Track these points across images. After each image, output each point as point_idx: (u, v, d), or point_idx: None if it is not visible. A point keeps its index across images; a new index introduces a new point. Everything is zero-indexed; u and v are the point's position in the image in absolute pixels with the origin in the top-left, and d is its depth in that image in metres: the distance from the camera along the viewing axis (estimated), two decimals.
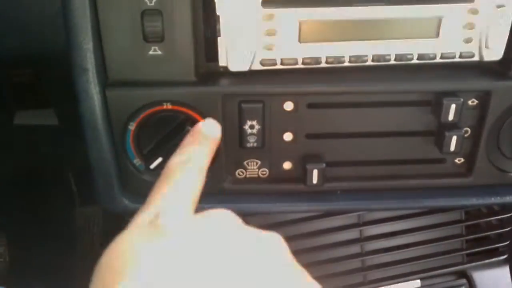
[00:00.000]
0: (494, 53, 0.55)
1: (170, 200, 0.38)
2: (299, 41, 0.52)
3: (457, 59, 0.55)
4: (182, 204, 0.38)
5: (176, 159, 0.43)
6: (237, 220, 0.37)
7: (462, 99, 0.54)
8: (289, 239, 0.38)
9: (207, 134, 0.47)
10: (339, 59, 0.53)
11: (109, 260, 0.33)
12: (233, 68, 0.53)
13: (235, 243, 0.34)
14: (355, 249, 0.72)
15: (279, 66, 0.53)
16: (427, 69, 0.55)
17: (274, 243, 0.36)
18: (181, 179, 0.41)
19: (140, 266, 0.31)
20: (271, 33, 0.52)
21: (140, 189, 0.58)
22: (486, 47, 0.54)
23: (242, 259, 0.32)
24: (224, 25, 0.51)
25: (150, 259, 0.31)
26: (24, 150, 0.88)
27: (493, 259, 0.77)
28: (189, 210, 0.38)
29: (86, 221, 1.02)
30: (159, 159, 0.54)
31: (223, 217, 0.37)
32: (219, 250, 0.33)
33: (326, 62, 0.53)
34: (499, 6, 0.52)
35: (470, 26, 0.53)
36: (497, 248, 0.78)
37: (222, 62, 0.53)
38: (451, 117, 0.54)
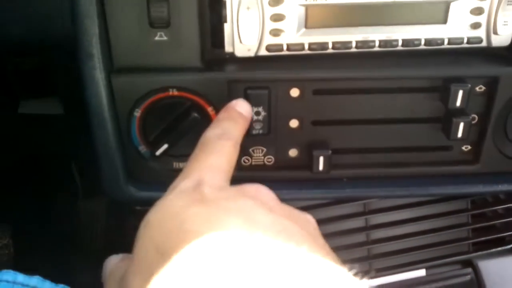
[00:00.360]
0: (503, 39, 0.54)
1: (210, 169, 0.40)
2: (306, 26, 0.52)
3: (465, 45, 0.54)
4: (221, 174, 0.40)
5: (213, 132, 0.45)
6: (273, 195, 0.39)
7: (469, 85, 0.53)
8: None
9: (240, 111, 0.49)
10: (346, 45, 0.53)
11: (160, 221, 0.34)
12: (239, 54, 0.53)
13: (272, 212, 0.35)
14: (361, 237, 0.72)
15: (285, 52, 0.53)
16: (434, 55, 0.55)
17: (307, 221, 0.38)
18: (218, 150, 0.42)
19: (197, 229, 0.32)
20: (277, 18, 0.51)
21: (145, 177, 0.58)
22: (494, 33, 0.54)
23: (278, 228, 0.33)
24: (230, 11, 0.50)
25: (204, 223, 0.32)
26: (28, 140, 0.89)
27: (499, 248, 0.76)
28: (227, 180, 0.40)
29: (89, 214, 1.02)
30: (165, 146, 0.54)
31: (260, 190, 0.38)
32: (258, 218, 0.34)
33: (333, 48, 0.53)
34: None
35: (479, 11, 0.53)
36: (503, 237, 0.77)
37: (228, 48, 0.53)
38: (458, 103, 0.54)
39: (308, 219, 0.39)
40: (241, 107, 0.50)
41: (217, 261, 0.29)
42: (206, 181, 0.38)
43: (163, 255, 0.31)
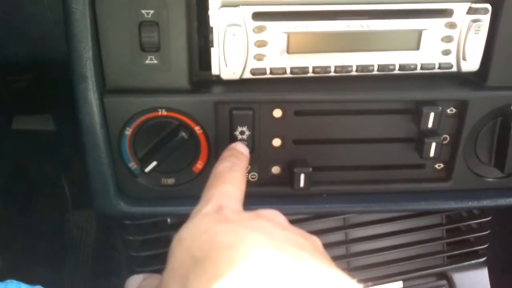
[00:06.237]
0: (471, 64, 0.58)
1: (227, 196, 0.45)
2: (288, 52, 0.55)
3: (436, 70, 0.58)
4: (236, 200, 0.45)
5: (223, 165, 0.50)
6: (285, 218, 0.44)
7: (440, 108, 0.57)
8: None
9: (240, 151, 0.54)
10: (325, 69, 0.56)
11: (193, 236, 0.39)
12: (225, 77, 0.56)
13: (286, 230, 0.40)
14: (340, 250, 0.75)
15: (268, 75, 0.56)
16: (408, 79, 0.59)
17: (315, 239, 0.43)
18: (231, 179, 0.47)
19: (228, 240, 0.37)
20: (261, 44, 0.54)
21: (135, 192, 0.60)
22: (464, 59, 0.57)
23: (293, 242, 0.39)
24: (217, 36, 0.54)
25: (232, 236, 0.37)
26: (19, 154, 0.90)
27: (473, 261, 0.80)
28: (241, 205, 0.45)
29: (78, 228, 1.04)
30: (154, 163, 0.56)
31: (275, 214, 0.44)
32: (276, 234, 0.39)
33: (313, 72, 0.56)
34: (475, 21, 0.55)
35: (449, 39, 0.57)
36: (476, 251, 0.80)
37: (214, 71, 0.56)
38: (430, 124, 0.57)
39: (315, 238, 0.43)
40: (241, 148, 0.55)
41: (247, 266, 0.34)
42: (226, 206, 0.43)
43: (199, 263, 0.36)
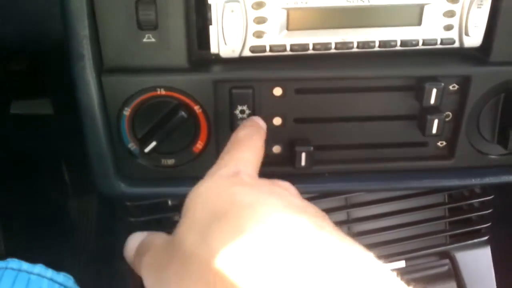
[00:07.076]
0: (474, 40, 0.57)
1: (245, 162, 0.44)
2: (287, 28, 0.54)
3: (438, 46, 0.57)
4: (253, 166, 0.45)
5: (243, 132, 0.50)
6: (298, 192, 0.45)
7: (443, 84, 0.56)
8: None
9: (261, 124, 0.53)
10: (326, 46, 0.55)
11: (211, 193, 0.39)
12: (224, 55, 0.55)
13: (304, 203, 0.41)
14: (342, 230, 0.74)
15: (268, 53, 0.55)
16: (410, 55, 0.58)
17: (326, 215, 0.42)
18: (250, 146, 0.47)
19: (249, 201, 0.37)
20: (260, 21, 0.54)
21: (135, 173, 0.60)
22: (466, 34, 0.57)
23: (312, 212, 0.39)
24: (215, 13, 0.53)
25: (253, 198, 0.37)
26: (18, 140, 0.90)
27: (475, 240, 0.80)
28: (257, 173, 0.45)
29: (79, 213, 1.04)
30: (153, 143, 0.56)
31: (289, 186, 0.45)
32: (294, 202, 0.39)
33: (314, 49, 0.55)
34: None
35: (451, 14, 0.56)
36: (479, 230, 0.80)
37: (213, 50, 0.55)
38: (432, 101, 0.56)
39: (325, 217, 0.44)
40: (260, 121, 0.54)
41: (270, 225, 0.34)
42: (243, 171, 0.42)
43: (219, 217, 0.35)
